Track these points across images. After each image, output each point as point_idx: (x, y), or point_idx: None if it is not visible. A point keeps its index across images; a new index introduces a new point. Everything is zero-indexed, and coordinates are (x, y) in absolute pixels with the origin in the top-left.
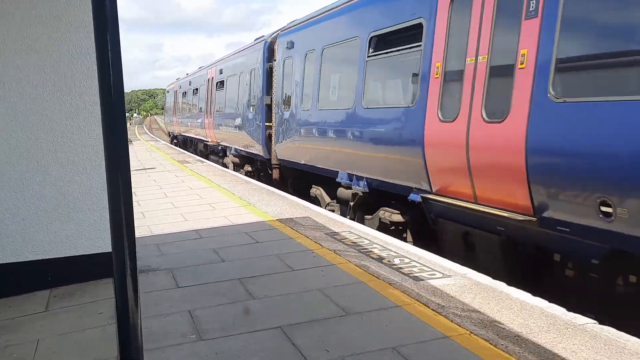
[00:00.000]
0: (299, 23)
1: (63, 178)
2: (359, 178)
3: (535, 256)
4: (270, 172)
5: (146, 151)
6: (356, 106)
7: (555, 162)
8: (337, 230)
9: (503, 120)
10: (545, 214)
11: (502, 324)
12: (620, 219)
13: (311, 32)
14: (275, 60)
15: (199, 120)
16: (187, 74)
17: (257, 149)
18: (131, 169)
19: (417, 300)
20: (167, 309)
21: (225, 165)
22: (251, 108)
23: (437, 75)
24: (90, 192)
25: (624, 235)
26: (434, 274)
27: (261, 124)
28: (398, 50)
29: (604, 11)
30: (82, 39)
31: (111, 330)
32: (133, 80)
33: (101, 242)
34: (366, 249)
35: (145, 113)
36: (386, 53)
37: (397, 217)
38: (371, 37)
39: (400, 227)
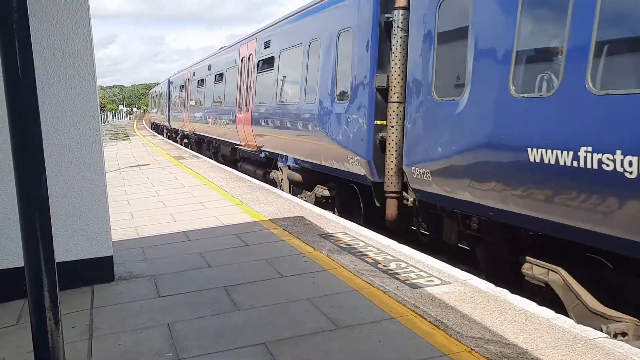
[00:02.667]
0: None
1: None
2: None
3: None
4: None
5: (142, 147)
6: None
7: None
8: (331, 232)
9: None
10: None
11: (506, 339)
12: None
13: None
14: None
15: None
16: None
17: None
18: (125, 166)
19: (413, 311)
20: (145, 321)
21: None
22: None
23: None
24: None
25: None
26: (432, 281)
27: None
28: None
29: None
30: None
31: (82, 347)
32: (134, 74)
33: (79, 248)
34: (361, 252)
35: (145, 107)
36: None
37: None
38: None
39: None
